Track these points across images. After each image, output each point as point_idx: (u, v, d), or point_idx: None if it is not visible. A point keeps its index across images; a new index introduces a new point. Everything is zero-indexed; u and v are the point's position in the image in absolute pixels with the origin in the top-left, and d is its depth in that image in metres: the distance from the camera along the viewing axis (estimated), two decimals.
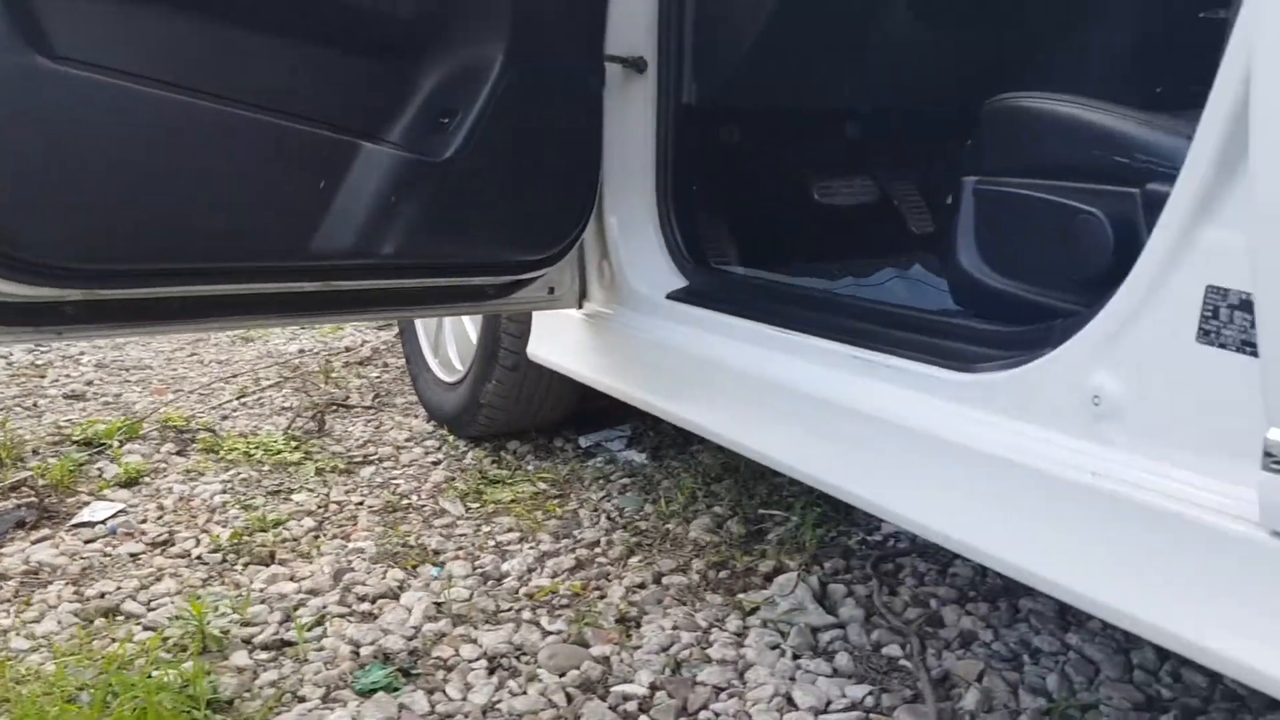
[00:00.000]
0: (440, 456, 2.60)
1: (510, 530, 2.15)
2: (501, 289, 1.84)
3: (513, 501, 2.30)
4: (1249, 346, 0.94)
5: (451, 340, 2.69)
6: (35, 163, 1.31)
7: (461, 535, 2.13)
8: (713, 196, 2.19)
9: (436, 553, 2.04)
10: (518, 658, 1.65)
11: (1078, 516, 1.10)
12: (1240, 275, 0.95)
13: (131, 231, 1.43)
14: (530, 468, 2.51)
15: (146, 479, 2.46)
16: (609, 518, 2.21)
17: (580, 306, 2.06)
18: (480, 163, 1.63)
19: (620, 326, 1.96)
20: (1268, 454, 0.89)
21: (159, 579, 1.94)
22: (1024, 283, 1.47)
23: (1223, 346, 0.97)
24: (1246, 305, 0.93)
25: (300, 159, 1.48)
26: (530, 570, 1.96)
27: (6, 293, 1.35)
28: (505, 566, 1.97)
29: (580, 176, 1.82)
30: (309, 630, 1.73)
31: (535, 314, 2.21)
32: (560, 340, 2.15)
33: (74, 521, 2.20)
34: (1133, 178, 1.28)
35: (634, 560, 2.00)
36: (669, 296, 1.90)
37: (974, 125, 1.60)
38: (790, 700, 1.53)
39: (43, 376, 3.45)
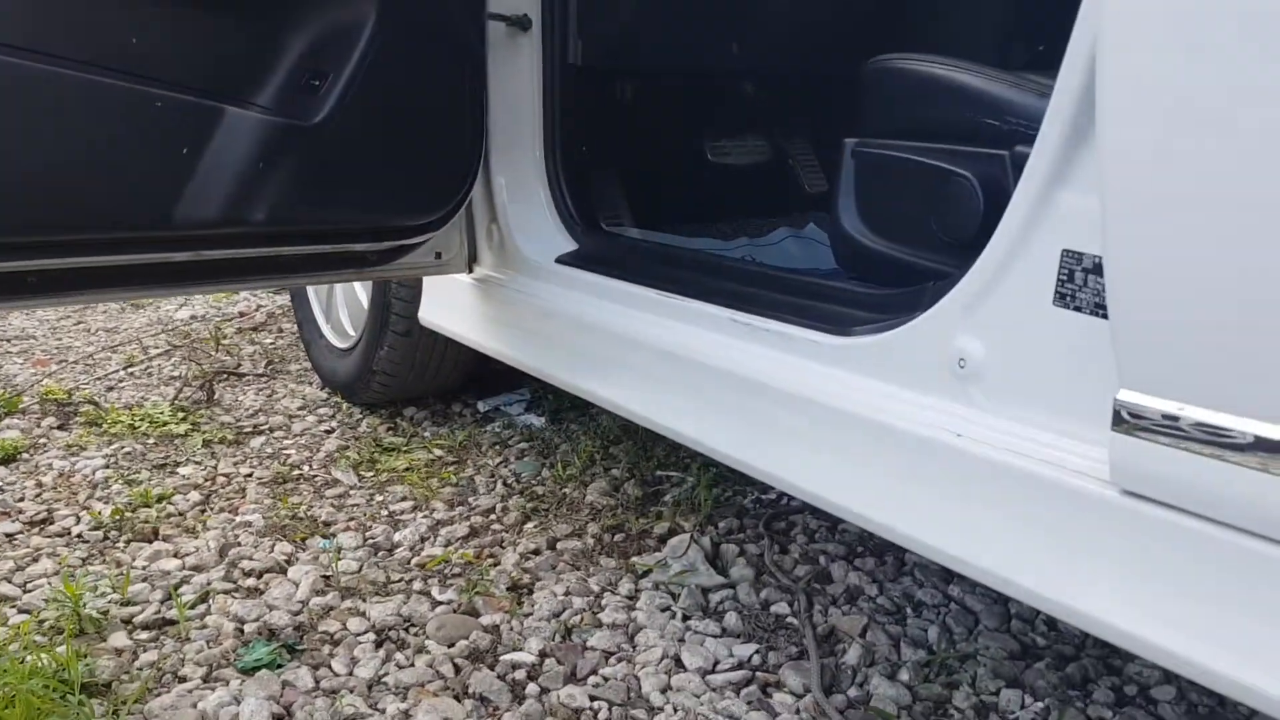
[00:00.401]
0: (334, 425, 2.55)
1: (404, 499, 2.12)
2: (384, 255, 1.80)
3: (407, 470, 2.26)
4: (1102, 309, 0.96)
5: (344, 306, 2.63)
6: None
7: (353, 505, 2.09)
8: (604, 158, 2.17)
9: (327, 524, 2.00)
10: (406, 629, 1.63)
11: (945, 477, 1.11)
12: (1094, 239, 0.96)
13: None
14: (427, 434, 2.48)
15: (25, 455, 2.37)
16: (505, 484, 2.19)
17: (470, 271, 2.03)
18: (355, 126, 1.58)
19: (510, 291, 1.93)
20: (1117, 414, 0.91)
21: (36, 559, 1.87)
22: (902, 245, 1.48)
23: (1078, 309, 0.99)
24: (1100, 269, 0.95)
25: (161, 125, 1.41)
26: (423, 540, 1.94)
27: None
28: (397, 536, 1.95)
29: (463, 138, 1.77)
30: (192, 608, 1.69)
31: (425, 279, 2.17)
32: (451, 306, 2.12)
33: None
34: (1003, 140, 1.29)
35: (529, 526, 2.00)
36: (558, 260, 1.88)
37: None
38: (679, 662, 1.54)
39: None
